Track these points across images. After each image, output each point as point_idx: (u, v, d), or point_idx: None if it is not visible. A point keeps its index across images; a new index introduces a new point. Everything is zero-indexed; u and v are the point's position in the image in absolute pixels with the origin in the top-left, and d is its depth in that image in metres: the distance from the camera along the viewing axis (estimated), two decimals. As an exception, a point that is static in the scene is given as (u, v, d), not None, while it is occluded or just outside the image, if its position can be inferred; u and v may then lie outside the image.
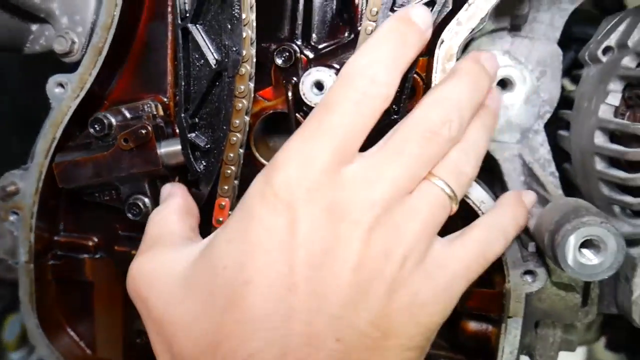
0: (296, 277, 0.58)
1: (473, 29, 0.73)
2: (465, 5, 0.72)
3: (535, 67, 0.87)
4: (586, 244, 0.66)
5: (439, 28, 0.73)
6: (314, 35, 0.85)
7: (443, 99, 0.65)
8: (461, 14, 0.72)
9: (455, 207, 0.65)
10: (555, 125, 0.92)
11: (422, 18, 0.67)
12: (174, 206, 0.78)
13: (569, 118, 0.84)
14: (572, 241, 0.65)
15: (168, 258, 0.68)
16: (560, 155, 0.90)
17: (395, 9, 0.74)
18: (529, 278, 0.76)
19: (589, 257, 0.66)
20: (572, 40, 0.94)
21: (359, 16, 0.84)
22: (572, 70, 0.94)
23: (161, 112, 0.85)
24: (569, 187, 0.89)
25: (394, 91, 0.63)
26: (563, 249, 0.65)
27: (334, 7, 0.85)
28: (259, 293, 0.58)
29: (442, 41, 0.74)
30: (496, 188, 0.89)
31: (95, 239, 0.93)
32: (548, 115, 0.88)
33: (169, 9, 0.84)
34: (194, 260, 0.65)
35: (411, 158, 0.62)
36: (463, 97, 0.66)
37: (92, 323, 0.98)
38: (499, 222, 0.69)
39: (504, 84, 0.89)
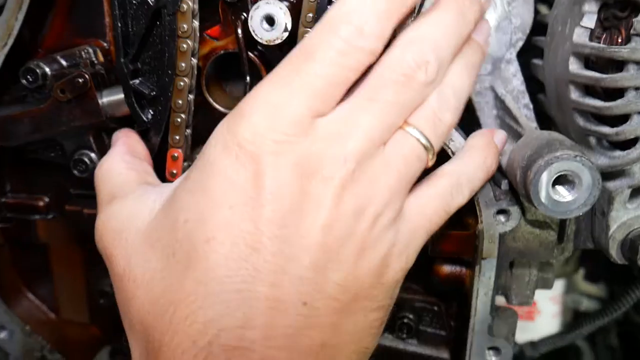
0: (261, 235, 0.53)
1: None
2: None
3: (506, -10, 0.80)
4: (560, 179, 0.62)
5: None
6: (263, -34, 0.78)
7: (419, 37, 0.58)
8: None
9: (432, 159, 0.60)
10: (528, 54, 0.86)
11: None
12: (118, 153, 0.72)
13: (542, 45, 0.79)
14: (545, 177, 0.61)
15: (130, 211, 0.63)
16: (534, 86, 0.85)
17: None
18: (502, 217, 0.72)
19: (563, 194, 0.62)
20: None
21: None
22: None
23: (101, 58, 0.78)
24: (544, 120, 0.84)
25: (382, 45, 0.56)
26: (536, 186, 0.61)
27: None
28: (221, 251, 0.53)
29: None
30: (466, 122, 0.84)
31: (46, 199, 0.87)
32: (521, 43, 0.82)
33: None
34: (155, 212, 0.60)
35: (385, 106, 0.56)
36: (442, 33, 0.59)
37: (53, 285, 0.94)
38: (467, 171, 0.65)
39: (473, 10, 0.82)
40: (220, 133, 0.57)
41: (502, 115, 0.82)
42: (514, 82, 0.83)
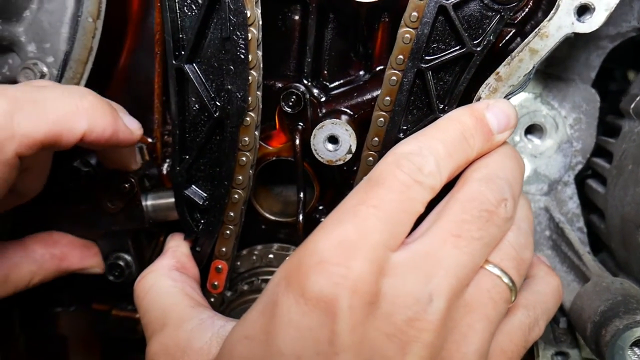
0: None
1: (514, 86, 0.63)
2: (508, 58, 0.62)
3: (569, 113, 0.78)
4: (637, 342, 0.59)
5: (474, 80, 0.64)
6: (324, 72, 0.75)
7: (494, 174, 0.56)
8: (502, 69, 0.63)
9: (513, 303, 0.56)
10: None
11: (499, 120, 0.58)
12: (165, 268, 0.67)
13: (604, 172, 0.76)
14: (624, 342, 0.58)
15: (185, 346, 0.58)
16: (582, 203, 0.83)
17: (426, 58, 0.63)
18: (560, 359, 0.69)
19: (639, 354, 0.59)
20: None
21: (378, 55, 0.73)
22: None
23: (147, 156, 0.74)
24: (595, 241, 0.82)
25: (439, 186, 0.53)
26: (612, 349, 0.58)
27: (349, 40, 0.74)
28: None
29: (479, 98, 0.64)
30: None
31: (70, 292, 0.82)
32: (580, 167, 0.80)
33: (156, 37, 0.72)
34: (212, 355, 0.56)
35: (471, 242, 0.51)
36: (511, 170, 0.57)
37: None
38: (541, 300, 0.60)
39: (534, 130, 0.80)
40: (286, 272, 0.51)
41: (557, 239, 0.79)
42: (569, 204, 0.80)
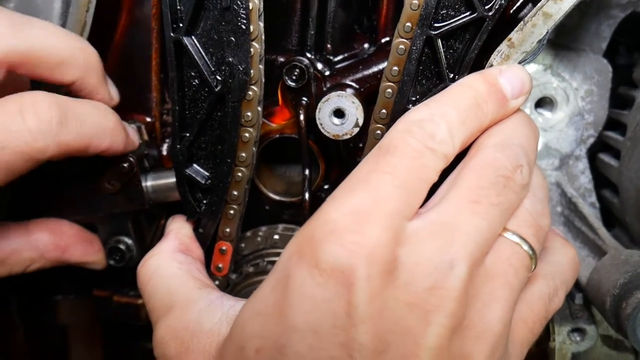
0: None
1: (527, 53, 0.61)
2: (521, 24, 0.60)
3: (581, 84, 0.76)
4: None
5: (485, 48, 0.62)
6: (328, 46, 0.72)
7: (509, 140, 0.54)
8: (514, 35, 0.60)
9: (533, 271, 0.53)
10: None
11: (513, 85, 0.56)
12: (169, 250, 0.65)
13: (617, 145, 0.74)
14: (645, 314, 0.56)
15: (193, 329, 0.56)
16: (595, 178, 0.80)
17: (435, 25, 0.61)
18: (577, 336, 0.67)
19: (660, 328, 0.57)
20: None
21: (384, 27, 0.70)
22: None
23: (145, 136, 0.71)
24: (608, 217, 0.80)
25: (453, 154, 0.51)
26: (634, 322, 0.56)
27: (353, 11, 0.72)
28: None
29: (491, 65, 0.62)
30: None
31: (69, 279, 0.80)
32: (592, 140, 0.78)
33: (152, 12, 0.69)
34: (222, 335, 0.54)
35: (490, 208, 0.49)
36: (527, 138, 0.56)
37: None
38: (560, 271, 0.59)
39: (544, 103, 0.78)
40: (297, 245, 0.49)
41: (569, 215, 0.77)
42: (581, 179, 0.78)
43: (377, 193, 0.47)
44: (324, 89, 0.70)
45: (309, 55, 0.71)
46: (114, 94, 0.67)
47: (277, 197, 0.76)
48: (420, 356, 0.45)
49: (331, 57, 0.72)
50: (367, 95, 0.69)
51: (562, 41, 0.77)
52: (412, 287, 0.45)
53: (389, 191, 0.47)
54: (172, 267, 0.63)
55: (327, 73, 0.71)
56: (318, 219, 0.48)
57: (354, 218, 0.47)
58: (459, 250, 0.47)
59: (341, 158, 0.74)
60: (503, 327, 0.48)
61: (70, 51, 0.60)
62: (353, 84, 0.70)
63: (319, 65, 0.71)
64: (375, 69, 0.69)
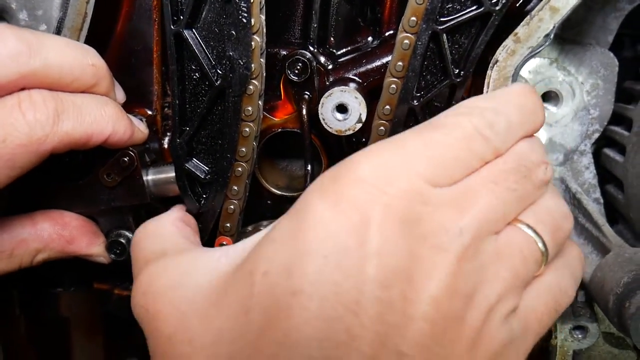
0: (359, 294, 0.44)
1: (533, 48, 0.60)
2: (527, 18, 0.59)
3: (587, 79, 0.75)
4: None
5: (490, 43, 0.61)
6: (331, 39, 0.71)
7: (538, 141, 0.56)
8: (520, 29, 0.59)
9: (543, 269, 0.53)
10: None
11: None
12: (170, 217, 0.66)
13: (622, 140, 0.73)
14: (649, 314, 0.55)
15: (187, 267, 0.55)
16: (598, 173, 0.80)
17: (441, 19, 0.60)
18: (579, 334, 0.67)
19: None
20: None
21: (387, 20, 0.69)
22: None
23: (146, 130, 0.70)
24: (612, 212, 0.79)
25: (504, 150, 0.52)
26: (637, 322, 0.56)
27: (356, 4, 0.70)
28: (310, 308, 0.44)
29: (496, 61, 0.61)
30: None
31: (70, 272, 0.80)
32: (597, 135, 0.77)
33: (154, 3, 0.68)
34: (222, 268, 0.53)
35: (506, 191, 0.51)
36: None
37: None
38: (569, 265, 0.58)
39: (549, 97, 0.77)
40: (320, 184, 0.49)
41: (573, 211, 0.76)
42: (585, 174, 0.78)
43: (409, 157, 0.49)
44: (327, 82, 0.69)
45: (311, 48, 0.70)
46: (119, 96, 0.67)
47: (278, 192, 0.76)
48: (416, 305, 0.46)
49: (334, 51, 0.71)
50: (371, 89, 0.68)
51: (568, 35, 0.76)
52: (421, 242, 0.47)
53: (420, 159, 0.49)
54: (170, 230, 0.63)
55: (330, 67, 0.70)
56: (346, 165, 0.49)
57: (381, 171, 0.48)
58: (470, 221, 0.48)
59: (344, 154, 0.73)
60: (502, 307, 0.49)
61: (82, 69, 0.60)
62: (356, 78, 0.69)
63: (322, 59, 0.70)
64: (378, 62, 0.69)
